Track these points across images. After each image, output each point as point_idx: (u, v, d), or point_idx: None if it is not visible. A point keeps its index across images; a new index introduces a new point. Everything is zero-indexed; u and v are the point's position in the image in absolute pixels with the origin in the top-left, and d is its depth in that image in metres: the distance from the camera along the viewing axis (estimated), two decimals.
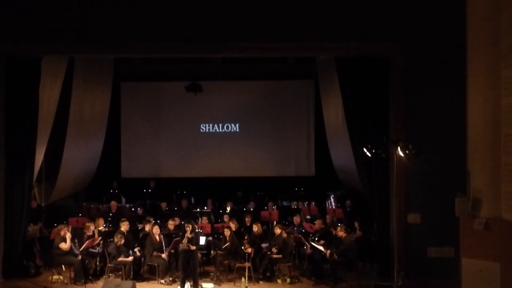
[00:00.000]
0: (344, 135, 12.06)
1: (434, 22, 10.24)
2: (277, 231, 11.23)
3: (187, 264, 10.22)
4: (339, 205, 14.28)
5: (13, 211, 10.84)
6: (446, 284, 9.14)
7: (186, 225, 10.64)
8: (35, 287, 9.61)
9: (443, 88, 10.27)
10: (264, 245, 11.33)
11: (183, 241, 10.41)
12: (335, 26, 10.36)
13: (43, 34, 10.35)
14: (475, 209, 7.60)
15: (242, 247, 10.79)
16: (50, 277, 10.69)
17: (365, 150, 9.60)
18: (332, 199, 14.84)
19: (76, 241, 10.79)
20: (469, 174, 7.80)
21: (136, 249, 11.01)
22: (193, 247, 10.41)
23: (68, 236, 10.60)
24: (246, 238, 11.05)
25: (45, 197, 13.38)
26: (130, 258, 10.69)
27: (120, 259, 10.67)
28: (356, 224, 12.09)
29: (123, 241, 10.79)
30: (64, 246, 10.56)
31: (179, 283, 10.35)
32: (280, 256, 10.89)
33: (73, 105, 13.23)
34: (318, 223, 12.01)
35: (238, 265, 11.00)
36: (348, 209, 13.59)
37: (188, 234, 10.46)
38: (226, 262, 11.19)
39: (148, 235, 11.05)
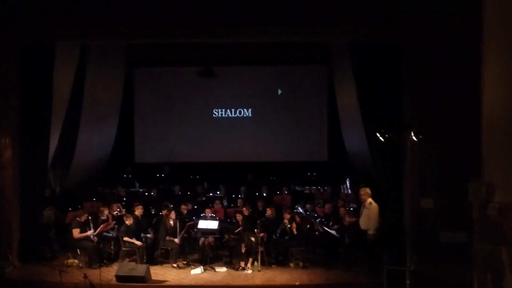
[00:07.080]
0: (357, 120, 12.01)
1: (447, 6, 10.09)
2: (286, 216, 11.24)
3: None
4: (355, 189, 14.23)
5: (29, 196, 11.02)
6: (459, 269, 9.11)
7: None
8: (51, 271, 9.73)
9: (457, 73, 10.15)
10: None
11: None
12: (348, 10, 10.26)
13: (56, 20, 10.40)
14: (489, 194, 7.52)
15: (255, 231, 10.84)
16: (66, 261, 10.86)
17: (378, 135, 9.55)
18: (348, 183, 14.80)
19: (91, 225, 10.92)
20: (483, 159, 7.72)
21: (149, 233, 11.10)
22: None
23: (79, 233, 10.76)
24: (258, 222, 11.10)
25: (59, 182, 13.53)
26: (139, 243, 10.81)
27: (130, 239, 10.78)
28: None
29: (132, 220, 10.90)
30: (76, 234, 10.72)
31: (193, 266, 10.53)
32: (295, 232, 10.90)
33: (86, 91, 13.31)
34: (327, 207, 12.05)
35: None
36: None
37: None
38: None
39: (162, 219, 11.15)
